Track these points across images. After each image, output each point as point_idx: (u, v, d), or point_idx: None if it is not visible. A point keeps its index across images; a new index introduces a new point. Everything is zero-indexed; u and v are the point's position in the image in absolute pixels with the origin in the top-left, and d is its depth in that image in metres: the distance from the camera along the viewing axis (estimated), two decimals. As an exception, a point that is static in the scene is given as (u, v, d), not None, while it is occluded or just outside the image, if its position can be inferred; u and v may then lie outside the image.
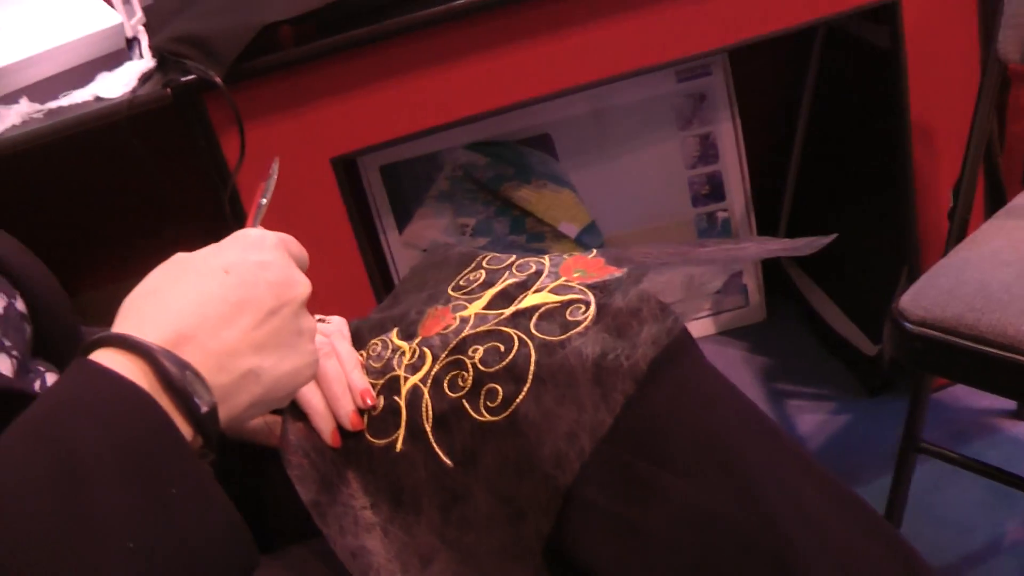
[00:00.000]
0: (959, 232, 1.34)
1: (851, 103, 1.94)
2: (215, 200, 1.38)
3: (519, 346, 0.70)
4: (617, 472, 0.67)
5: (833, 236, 0.82)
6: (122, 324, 0.58)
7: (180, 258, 0.62)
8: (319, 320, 0.79)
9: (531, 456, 0.67)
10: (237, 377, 0.59)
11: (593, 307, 0.71)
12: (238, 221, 1.38)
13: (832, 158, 2.03)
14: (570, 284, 0.74)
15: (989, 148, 1.38)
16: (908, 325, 1.18)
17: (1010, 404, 1.69)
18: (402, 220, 1.95)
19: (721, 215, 2.05)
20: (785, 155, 2.14)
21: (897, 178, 1.61)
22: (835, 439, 1.72)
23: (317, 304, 1.42)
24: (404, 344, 0.77)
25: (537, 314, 0.72)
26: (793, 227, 2.15)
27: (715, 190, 2.03)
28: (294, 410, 0.74)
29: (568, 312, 0.71)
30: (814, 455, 1.67)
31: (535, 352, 0.69)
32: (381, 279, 1.93)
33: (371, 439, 0.73)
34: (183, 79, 1.28)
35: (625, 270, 0.75)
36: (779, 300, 2.12)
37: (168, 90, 1.28)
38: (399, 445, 0.72)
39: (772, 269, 2.11)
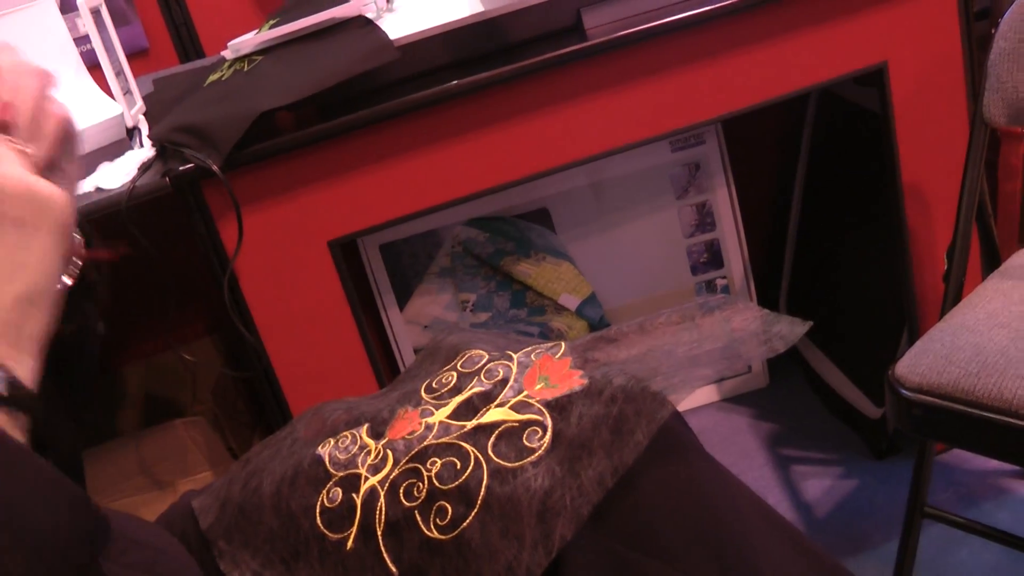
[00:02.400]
0: (955, 295, 1.34)
1: (846, 166, 1.95)
2: (215, 285, 1.39)
3: (474, 467, 0.72)
4: (609, 564, 0.68)
5: (809, 325, 0.83)
6: None
7: None
8: None
9: None
10: None
11: (549, 434, 0.72)
12: (238, 306, 1.40)
13: (830, 221, 2.04)
14: (530, 401, 0.75)
15: (982, 209, 1.39)
16: (905, 392, 1.18)
17: (1019, 465, 1.68)
18: (403, 297, 1.97)
19: (720, 282, 2.06)
20: (783, 220, 2.16)
21: (893, 240, 1.62)
22: (843, 504, 1.71)
23: (316, 386, 1.43)
24: (371, 442, 0.78)
25: (496, 433, 0.74)
26: (794, 291, 2.16)
27: (714, 257, 2.04)
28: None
29: (525, 436, 0.73)
30: (823, 521, 1.67)
31: (488, 476, 0.71)
32: (384, 358, 1.94)
33: (324, 530, 0.74)
34: (181, 168, 1.30)
35: (586, 382, 0.76)
36: (782, 365, 2.12)
37: (167, 179, 1.30)
38: (350, 543, 0.73)
39: (774, 334, 2.11)
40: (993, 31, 1.31)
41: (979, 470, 1.70)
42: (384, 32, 1.34)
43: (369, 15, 1.36)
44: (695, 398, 2.10)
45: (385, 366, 1.89)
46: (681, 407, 2.08)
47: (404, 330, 1.97)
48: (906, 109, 1.51)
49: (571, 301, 2.02)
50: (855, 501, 1.71)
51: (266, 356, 1.42)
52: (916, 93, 1.51)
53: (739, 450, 1.92)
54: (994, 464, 1.70)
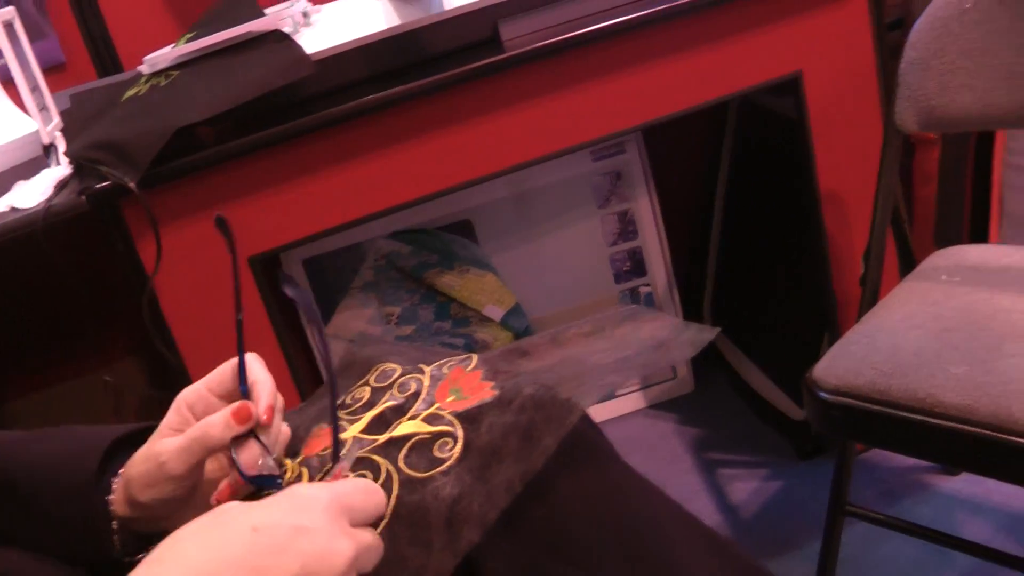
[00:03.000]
0: (871, 298, 1.37)
1: (766, 173, 1.99)
2: (135, 304, 1.37)
3: (385, 479, 0.72)
4: (524, 571, 0.68)
5: (717, 331, 0.84)
6: (148, 568, 0.57)
7: (220, 509, 0.60)
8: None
9: None
10: None
11: (460, 444, 0.73)
12: (156, 325, 1.37)
13: (751, 227, 2.07)
14: (442, 413, 0.76)
15: (897, 213, 1.42)
16: (823, 394, 1.20)
17: (934, 463, 1.73)
18: (328, 312, 1.95)
19: (644, 290, 2.07)
20: (705, 227, 2.19)
21: (812, 245, 1.65)
22: (768, 505, 1.74)
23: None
24: (288, 461, 0.78)
25: (407, 445, 0.74)
26: (717, 298, 2.19)
27: (637, 265, 2.06)
28: None
29: (436, 447, 0.74)
30: (749, 522, 1.69)
31: (398, 487, 0.72)
32: (309, 373, 1.93)
33: None
34: (98, 186, 1.28)
35: (497, 393, 0.76)
36: (707, 370, 2.15)
37: (83, 197, 1.28)
38: None
39: (698, 339, 2.14)
40: (904, 41, 1.34)
41: (900, 467, 1.74)
42: (301, 46, 1.33)
43: (286, 29, 1.35)
44: (621, 405, 2.12)
45: (309, 381, 1.88)
46: (607, 414, 2.09)
47: (329, 345, 1.95)
48: (821, 117, 1.55)
49: (496, 312, 2.02)
50: (780, 502, 1.74)
51: (187, 375, 1.41)
52: (831, 101, 1.54)
53: (666, 455, 1.93)
54: (914, 461, 1.74)
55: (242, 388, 0.76)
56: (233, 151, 1.33)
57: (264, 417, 0.74)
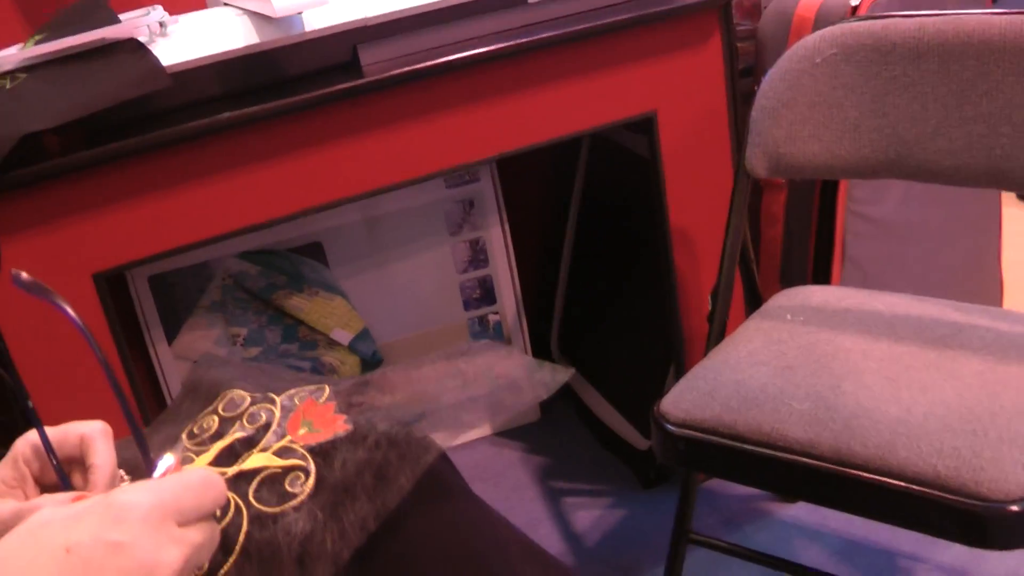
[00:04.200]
0: (718, 334, 1.41)
1: (617, 207, 2.02)
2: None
3: (234, 514, 0.70)
4: None
5: (571, 372, 0.85)
6: None
7: (32, 525, 0.55)
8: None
9: None
10: None
11: (312, 479, 0.72)
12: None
13: (601, 260, 2.11)
14: (294, 447, 0.74)
15: (744, 252, 1.47)
16: (669, 427, 1.23)
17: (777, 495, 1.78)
18: (173, 331, 1.89)
19: (493, 318, 2.08)
20: (556, 257, 2.21)
21: (661, 280, 1.69)
22: (613, 533, 1.76)
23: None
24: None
25: (258, 479, 0.72)
26: (565, 328, 2.21)
27: (487, 294, 2.07)
28: None
29: (288, 481, 0.72)
30: (594, 550, 1.71)
31: (247, 523, 0.70)
32: (152, 395, 1.86)
33: None
34: (-70, 193, 1.22)
35: (350, 427, 0.75)
36: (554, 399, 2.16)
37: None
38: None
39: (545, 369, 2.16)
40: (755, 88, 1.39)
41: (740, 496, 1.79)
42: (156, 58, 1.29)
43: (141, 39, 1.31)
44: (468, 432, 2.12)
45: (152, 403, 1.82)
46: (450, 452, 2.08)
47: (173, 365, 1.89)
48: (674, 156, 1.59)
49: (344, 336, 2.00)
50: (624, 530, 1.76)
51: (26, 394, 1.34)
52: (684, 142, 1.58)
53: (511, 483, 1.94)
54: (755, 490, 1.80)
55: (53, 463, 0.69)
56: (81, 162, 1.27)
57: None
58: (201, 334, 1.91)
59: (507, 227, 2.03)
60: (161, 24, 1.36)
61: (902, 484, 1.06)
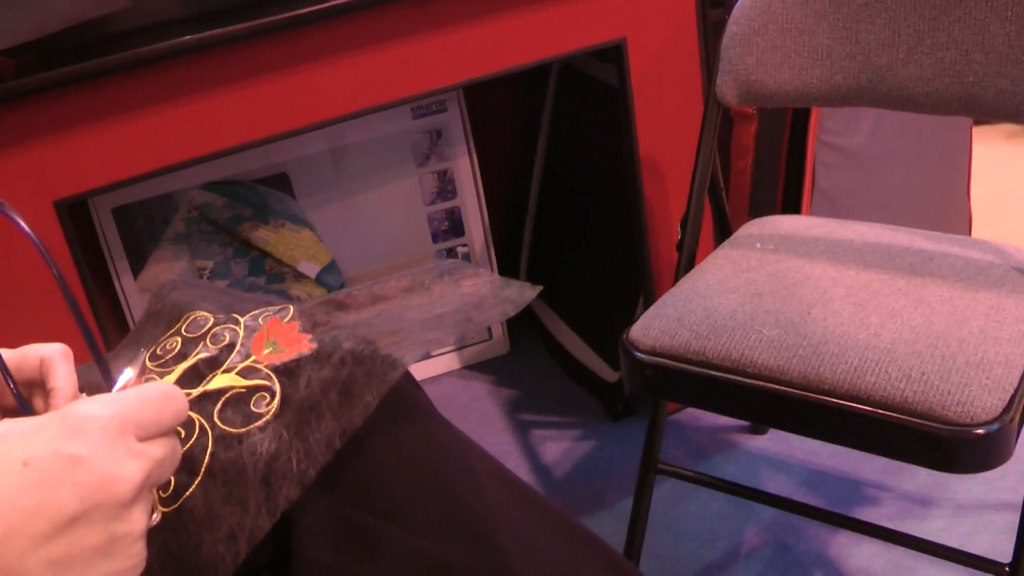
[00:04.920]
0: (687, 263, 1.41)
1: (585, 138, 2.01)
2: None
3: (199, 434, 0.69)
4: (343, 528, 0.67)
5: (539, 289, 0.83)
6: None
7: None
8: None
9: (191, 555, 0.66)
10: None
11: (277, 399, 0.71)
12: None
13: (569, 192, 2.10)
14: (258, 367, 0.73)
15: (714, 183, 1.46)
16: (638, 354, 1.22)
17: (746, 421, 1.80)
18: (138, 264, 1.87)
19: (461, 250, 2.07)
20: (524, 189, 2.20)
21: (630, 210, 1.68)
22: (580, 465, 1.77)
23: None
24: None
25: (223, 400, 0.71)
26: (534, 260, 2.21)
27: (455, 225, 2.05)
28: None
29: (252, 402, 0.71)
30: (562, 482, 1.72)
31: (212, 443, 0.69)
32: (117, 329, 1.84)
33: None
34: None
35: (315, 346, 0.74)
36: (522, 332, 2.17)
37: None
38: None
39: (514, 302, 2.16)
40: (726, 17, 1.38)
41: (709, 427, 1.80)
42: (115, -22, 1.26)
43: (99, -41, 1.28)
44: (436, 365, 2.11)
45: (116, 336, 1.80)
46: (422, 375, 2.09)
47: (138, 298, 1.87)
48: (643, 86, 1.57)
49: (311, 268, 1.98)
50: (592, 462, 1.77)
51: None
52: (653, 71, 1.57)
53: (479, 416, 1.94)
54: (723, 421, 1.81)
55: (11, 386, 0.65)
56: (38, 85, 1.24)
57: None
58: (166, 267, 1.88)
59: (475, 158, 2.01)
60: (119, -56, 1.32)
61: (869, 409, 1.06)
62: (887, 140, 1.79)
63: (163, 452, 0.56)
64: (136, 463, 0.54)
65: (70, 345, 0.70)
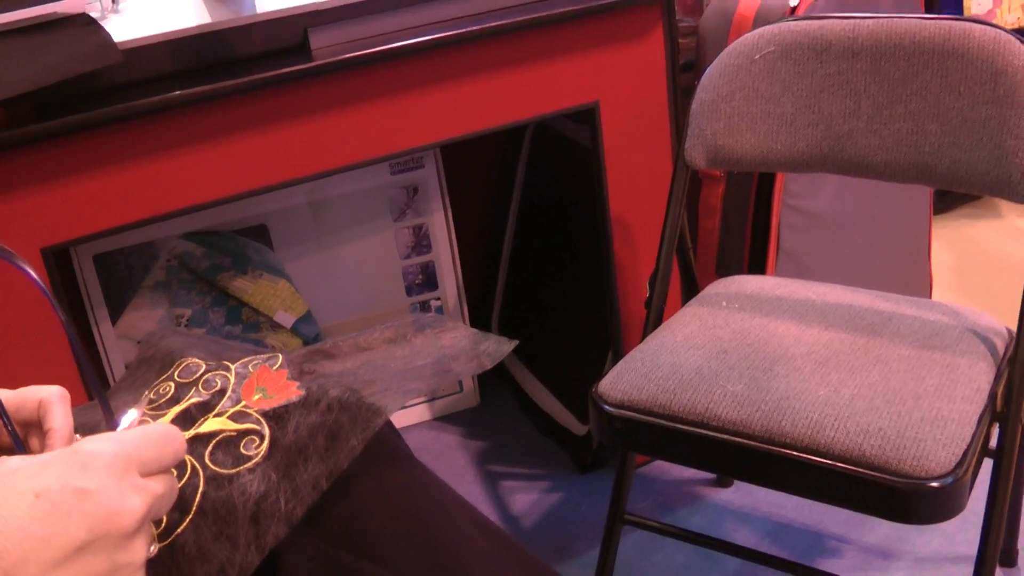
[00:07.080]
0: (656, 319, 1.45)
1: (558, 196, 2.06)
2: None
3: (191, 475, 0.72)
4: (327, 566, 0.71)
5: (515, 343, 0.88)
6: None
7: (9, 467, 0.56)
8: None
9: None
10: None
11: (266, 442, 0.74)
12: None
13: (542, 248, 2.14)
14: (248, 411, 0.77)
15: (682, 242, 1.51)
16: (607, 407, 1.26)
17: (711, 474, 1.83)
18: (117, 311, 1.89)
19: (435, 303, 2.11)
20: (497, 245, 2.24)
21: (600, 268, 1.72)
22: (549, 516, 1.80)
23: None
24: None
25: (214, 442, 0.74)
26: (505, 315, 2.24)
27: (429, 279, 2.09)
28: None
29: (243, 444, 0.74)
30: (530, 531, 1.74)
31: (204, 483, 0.72)
32: (96, 373, 1.86)
33: None
34: None
35: (303, 393, 0.78)
36: (493, 385, 2.20)
37: None
38: None
39: (485, 355, 2.19)
40: (696, 83, 1.44)
41: (675, 479, 1.84)
42: (108, 33, 1.30)
43: (93, 14, 1.32)
44: (408, 416, 2.14)
45: (98, 375, 1.81)
46: (395, 425, 2.10)
47: (116, 345, 1.90)
48: (615, 147, 1.62)
49: (287, 319, 2.01)
50: (560, 512, 1.80)
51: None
52: (625, 132, 1.62)
53: (450, 467, 1.97)
54: (689, 473, 1.85)
55: (8, 427, 0.69)
56: (30, 136, 1.27)
57: None
58: (145, 314, 1.91)
59: (450, 214, 2.05)
60: (113, 0, 1.37)
61: (829, 462, 1.10)
62: (850, 204, 1.85)
63: (163, 488, 0.60)
64: (139, 497, 0.57)
65: (63, 385, 0.73)
